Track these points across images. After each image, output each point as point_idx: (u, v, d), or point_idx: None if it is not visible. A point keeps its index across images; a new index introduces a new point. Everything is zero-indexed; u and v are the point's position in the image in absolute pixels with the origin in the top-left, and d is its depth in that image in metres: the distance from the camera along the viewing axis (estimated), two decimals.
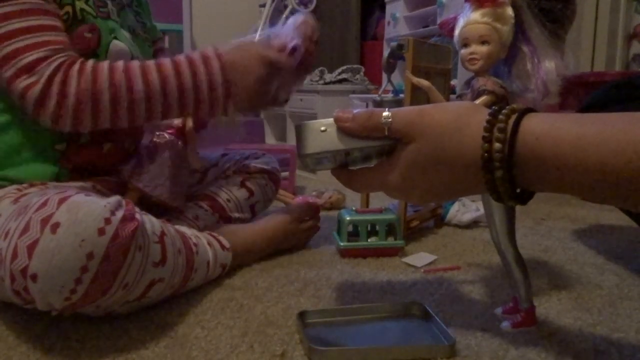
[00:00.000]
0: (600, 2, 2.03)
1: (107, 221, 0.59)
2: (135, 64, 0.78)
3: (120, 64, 0.78)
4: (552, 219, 1.33)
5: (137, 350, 0.62)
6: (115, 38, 0.85)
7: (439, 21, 1.96)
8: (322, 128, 0.55)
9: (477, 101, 0.68)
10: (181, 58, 0.81)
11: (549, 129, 0.46)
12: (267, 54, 0.84)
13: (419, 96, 1.07)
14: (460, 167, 0.50)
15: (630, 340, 0.66)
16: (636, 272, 0.91)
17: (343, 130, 0.54)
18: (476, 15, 0.67)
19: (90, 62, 0.76)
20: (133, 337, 0.66)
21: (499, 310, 0.73)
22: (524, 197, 0.51)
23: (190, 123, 0.95)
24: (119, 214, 0.60)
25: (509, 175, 0.48)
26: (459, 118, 0.50)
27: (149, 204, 1.00)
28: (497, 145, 0.47)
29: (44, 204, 0.60)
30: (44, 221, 0.57)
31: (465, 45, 0.69)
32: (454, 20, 0.71)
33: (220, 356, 0.61)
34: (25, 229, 0.58)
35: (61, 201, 0.59)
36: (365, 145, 0.54)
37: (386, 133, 0.52)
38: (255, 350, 0.63)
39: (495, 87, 0.68)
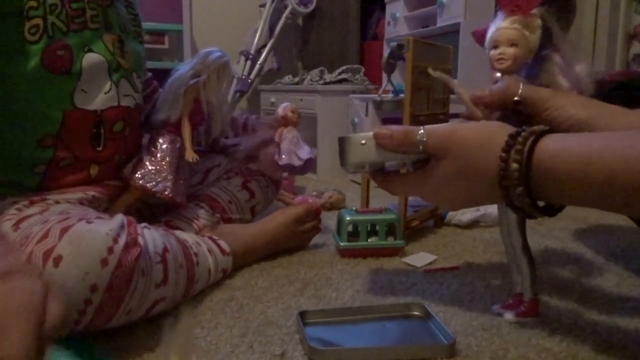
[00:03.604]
0: (600, 2, 2.03)
1: (110, 250, 0.58)
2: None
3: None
4: (552, 219, 1.33)
5: (137, 350, 0.62)
6: (91, 50, 0.79)
7: (439, 21, 1.96)
8: (363, 141, 0.62)
9: None
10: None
11: (561, 148, 0.52)
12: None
13: (419, 96, 1.07)
14: (483, 182, 0.56)
15: (630, 340, 0.66)
16: (636, 272, 0.91)
17: (382, 146, 0.61)
18: (507, 23, 0.72)
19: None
20: (133, 337, 0.66)
21: (496, 307, 0.73)
22: (551, 210, 0.57)
23: (185, 113, 0.94)
24: (122, 240, 0.60)
25: (528, 191, 0.53)
26: (483, 139, 0.56)
27: (150, 203, 1.00)
28: (514, 165, 0.53)
29: (46, 235, 0.59)
30: (46, 254, 0.57)
31: (495, 47, 0.73)
32: (485, 30, 0.76)
33: (220, 356, 0.61)
34: (28, 261, 0.57)
35: (63, 232, 0.59)
36: (402, 158, 0.62)
37: (420, 149, 0.59)
38: (255, 350, 0.63)
39: None
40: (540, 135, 0.54)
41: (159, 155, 0.91)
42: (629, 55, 2.02)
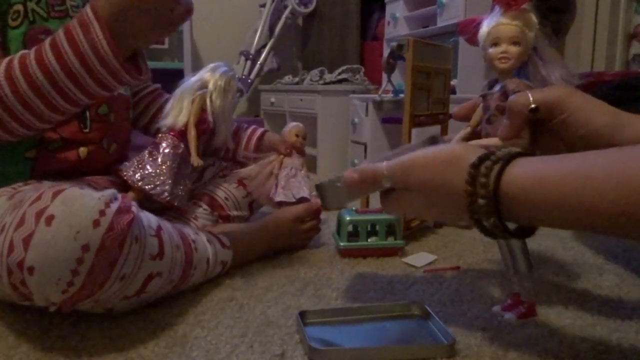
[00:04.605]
0: (600, 2, 2.03)
1: (102, 213, 0.58)
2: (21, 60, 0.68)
3: (15, 64, 0.68)
4: None
5: (137, 350, 0.62)
6: None
7: (439, 21, 1.96)
8: (338, 184, 0.65)
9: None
10: (60, 34, 0.66)
11: (532, 175, 0.49)
12: None
13: (419, 96, 1.07)
14: (455, 211, 0.54)
15: (630, 340, 0.66)
16: (636, 272, 0.91)
17: (354, 188, 0.63)
18: (507, 18, 0.69)
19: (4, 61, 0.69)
20: (133, 336, 0.66)
21: (497, 308, 0.73)
22: (524, 232, 0.55)
23: (192, 120, 0.96)
24: (114, 205, 0.60)
25: (499, 222, 0.51)
26: (445, 168, 0.54)
27: (150, 206, 1.00)
28: (481, 201, 0.50)
29: (39, 197, 0.60)
30: (39, 214, 0.58)
31: (495, 44, 0.70)
32: (475, 22, 0.73)
33: (220, 356, 0.61)
34: (20, 222, 0.58)
35: (55, 194, 0.59)
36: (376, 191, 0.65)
37: (389, 185, 0.60)
38: (255, 350, 0.63)
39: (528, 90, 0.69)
40: (507, 162, 0.50)
41: (159, 159, 0.92)
42: (629, 55, 2.02)
